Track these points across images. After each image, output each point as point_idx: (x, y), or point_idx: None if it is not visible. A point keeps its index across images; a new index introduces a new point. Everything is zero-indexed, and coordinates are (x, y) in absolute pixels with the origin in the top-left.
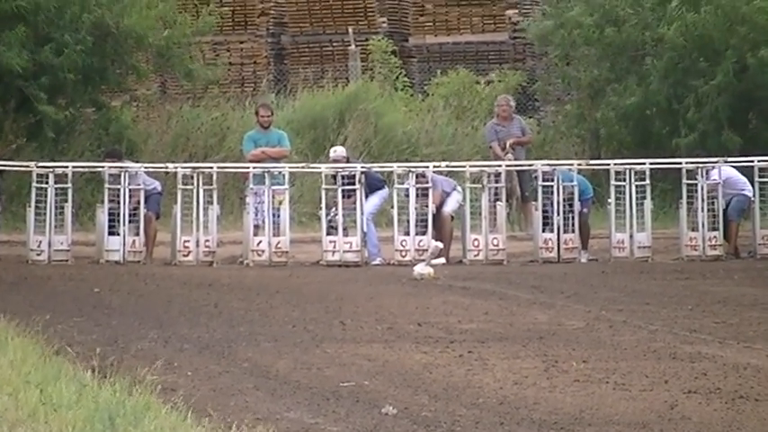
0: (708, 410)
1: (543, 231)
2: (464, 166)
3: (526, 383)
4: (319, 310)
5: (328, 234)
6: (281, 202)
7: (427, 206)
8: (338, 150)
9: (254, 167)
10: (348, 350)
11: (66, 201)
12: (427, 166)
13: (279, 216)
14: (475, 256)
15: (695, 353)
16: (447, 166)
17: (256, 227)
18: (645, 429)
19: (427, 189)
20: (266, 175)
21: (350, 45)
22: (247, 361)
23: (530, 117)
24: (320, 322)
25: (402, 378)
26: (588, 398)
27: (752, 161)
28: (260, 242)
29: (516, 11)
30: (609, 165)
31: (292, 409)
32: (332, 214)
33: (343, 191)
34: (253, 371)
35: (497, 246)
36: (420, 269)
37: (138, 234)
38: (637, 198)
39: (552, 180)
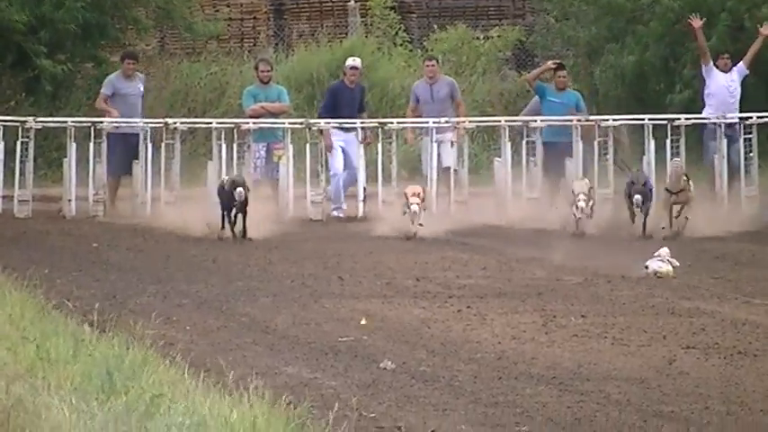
0: (706, 366)
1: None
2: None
3: (524, 338)
4: (318, 266)
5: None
6: (280, 158)
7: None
8: (357, 60)
9: (254, 122)
10: (346, 305)
11: (64, 156)
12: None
13: (278, 172)
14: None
15: (693, 308)
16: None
17: (255, 182)
18: (643, 385)
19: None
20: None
21: (349, 0)
22: (245, 316)
23: (529, 73)
24: (318, 278)
25: (400, 333)
26: (586, 353)
27: (750, 116)
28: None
29: None
30: (608, 120)
31: (291, 364)
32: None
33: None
34: (251, 326)
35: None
36: (656, 266)
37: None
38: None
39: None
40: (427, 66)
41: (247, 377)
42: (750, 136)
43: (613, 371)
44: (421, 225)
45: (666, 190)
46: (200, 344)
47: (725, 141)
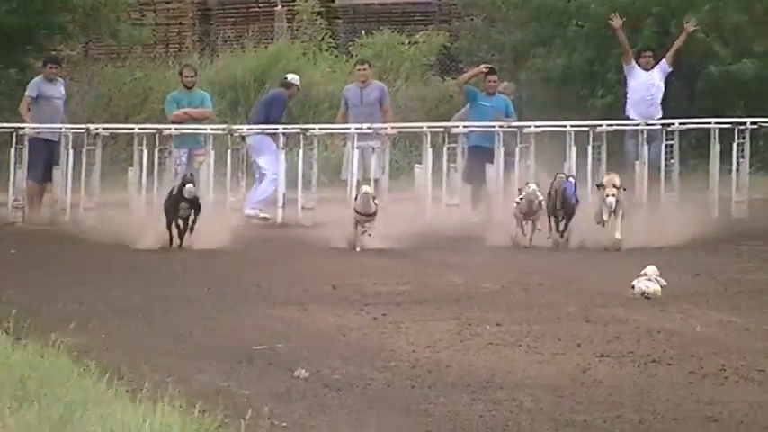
0: (620, 374)
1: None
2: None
3: (439, 346)
4: (234, 273)
5: None
6: (200, 164)
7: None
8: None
9: (176, 128)
10: (262, 312)
11: None
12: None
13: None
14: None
15: (609, 316)
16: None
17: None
18: (556, 393)
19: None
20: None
21: (276, 6)
22: (161, 323)
23: (453, 78)
24: (235, 284)
25: (315, 341)
26: (501, 361)
27: (672, 123)
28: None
29: None
30: (530, 126)
31: (205, 371)
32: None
33: None
34: (166, 333)
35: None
36: (643, 285)
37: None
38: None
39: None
40: (359, 69)
41: (162, 385)
42: (672, 142)
43: (527, 379)
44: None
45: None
46: (116, 351)
47: (646, 148)
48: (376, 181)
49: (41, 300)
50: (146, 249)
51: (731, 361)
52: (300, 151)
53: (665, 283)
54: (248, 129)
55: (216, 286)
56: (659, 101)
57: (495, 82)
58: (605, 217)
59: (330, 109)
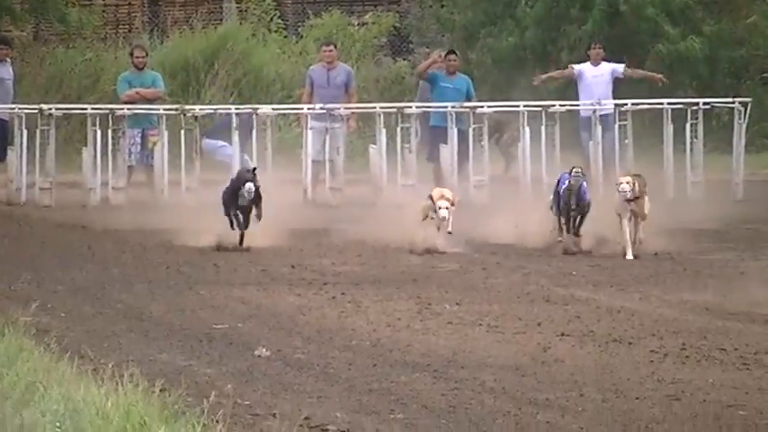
0: (581, 353)
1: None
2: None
3: (399, 326)
4: (193, 253)
5: None
6: (154, 144)
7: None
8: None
9: (129, 109)
10: (222, 293)
11: None
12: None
13: (152, 158)
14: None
15: (569, 296)
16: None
17: (130, 168)
18: (518, 372)
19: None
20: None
21: None
22: (121, 303)
23: (404, 59)
24: (194, 265)
25: (275, 320)
26: (461, 340)
27: (625, 103)
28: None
29: None
30: (482, 106)
31: (165, 351)
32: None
33: None
34: (126, 313)
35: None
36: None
37: None
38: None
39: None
40: (325, 51)
41: (122, 364)
42: (625, 123)
43: (488, 358)
44: (450, 233)
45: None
46: (76, 331)
47: (599, 128)
48: (331, 162)
49: (0, 280)
50: (103, 230)
51: (692, 340)
52: (254, 132)
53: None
54: (200, 108)
55: (174, 266)
56: (610, 95)
57: (455, 61)
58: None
59: (282, 90)
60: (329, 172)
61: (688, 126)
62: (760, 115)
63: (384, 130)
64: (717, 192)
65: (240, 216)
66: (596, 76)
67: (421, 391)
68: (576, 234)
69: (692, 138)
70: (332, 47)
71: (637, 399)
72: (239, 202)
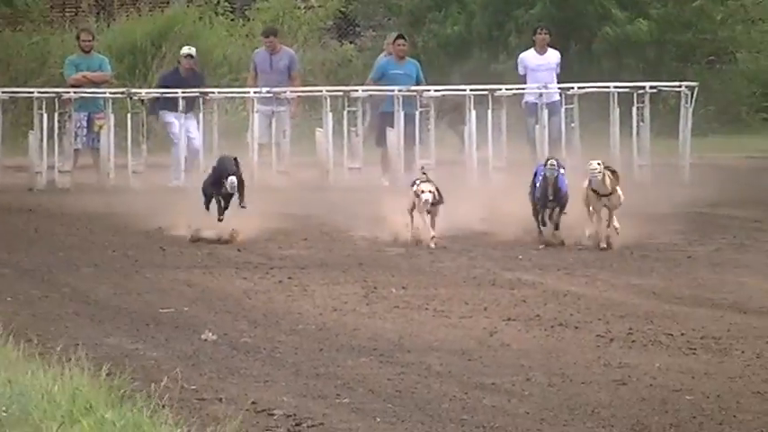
0: (527, 337)
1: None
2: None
3: (346, 310)
4: (140, 236)
5: None
6: (101, 127)
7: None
8: (192, 49)
9: (75, 92)
10: (168, 276)
11: None
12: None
13: (99, 141)
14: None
15: (515, 280)
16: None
17: (76, 151)
18: (464, 356)
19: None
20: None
21: None
22: (67, 286)
23: (350, 42)
24: (140, 248)
25: (222, 304)
26: (408, 324)
27: (571, 87)
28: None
29: None
30: (429, 90)
31: (112, 335)
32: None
33: None
34: (73, 296)
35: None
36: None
37: None
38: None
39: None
40: (265, 42)
41: (69, 348)
42: (572, 106)
43: (434, 342)
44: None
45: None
46: (22, 314)
47: (545, 112)
48: (277, 145)
49: None
50: (50, 213)
51: (639, 324)
52: (200, 115)
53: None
54: (147, 92)
55: (121, 250)
56: (555, 82)
57: (404, 45)
58: None
59: (229, 73)
60: (275, 155)
61: (635, 110)
62: (707, 99)
63: (330, 114)
64: (663, 176)
65: (222, 202)
66: (541, 64)
67: (367, 375)
68: (556, 227)
69: (638, 121)
70: (271, 37)
71: (583, 383)
72: (221, 191)
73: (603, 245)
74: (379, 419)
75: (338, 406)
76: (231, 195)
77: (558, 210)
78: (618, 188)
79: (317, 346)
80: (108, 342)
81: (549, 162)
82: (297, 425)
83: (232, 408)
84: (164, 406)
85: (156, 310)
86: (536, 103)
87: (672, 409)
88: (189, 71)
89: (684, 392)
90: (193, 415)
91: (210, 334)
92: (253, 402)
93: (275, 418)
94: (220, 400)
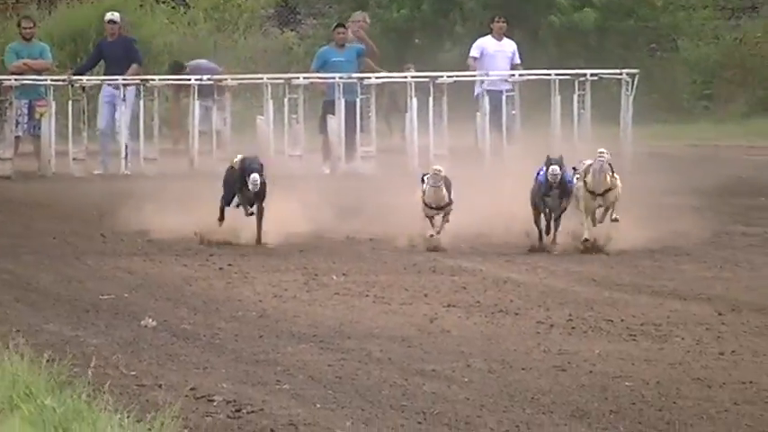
0: (467, 324)
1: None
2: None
3: (286, 296)
4: (80, 223)
5: None
6: (42, 115)
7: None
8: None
9: (16, 79)
10: (108, 263)
11: None
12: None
13: (40, 128)
14: None
15: (456, 266)
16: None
17: (17, 138)
18: (404, 342)
19: None
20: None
21: None
22: (8, 273)
23: (291, 30)
24: (81, 235)
25: (162, 291)
26: (348, 311)
27: (549, 73)
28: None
29: None
30: (370, 77)
31: (52, 322)
32: None
33: None
34: (13, 283)
35: None
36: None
37: None
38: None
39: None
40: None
41: (9, 335)
42: (512, 93)
43: (375, 329)
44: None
45: None
46: None
47: (487, 98)
48: (218, 133)
49: None
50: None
51: (579, 311)
52: (142, 102)
53: None
54: (88, 79)
55: (61, 237)
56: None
57: (343, 33)
58: None
59: (171, 59)
60: (216, 143)
61: (576, 97)
62: (649, 87)
63: (271, 101)
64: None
65: (248, 207)
66: (499, 51)
67: (307, 361)
68: (554, 237)
69: (579, 108)
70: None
71: (523, 369)
72: (244, 192)
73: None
74: (318, 406)
75: (278, 392)
76: (255, 196)
77: (562, 209)
78: (618, 183)
79: (257, 332)
80: (48, 329)
81: (551, 168)
82: (236, 411)
83: (172, 394)
84: (104, 392)
85: (96, 297)
86: (490, 91)
87: (612, 396)
88: (117, 38)
89: (624, 379)
90: (133, 401)
91: (151, 320)
92: (192, 388)
93: (215, 404)
94: (160, 386)
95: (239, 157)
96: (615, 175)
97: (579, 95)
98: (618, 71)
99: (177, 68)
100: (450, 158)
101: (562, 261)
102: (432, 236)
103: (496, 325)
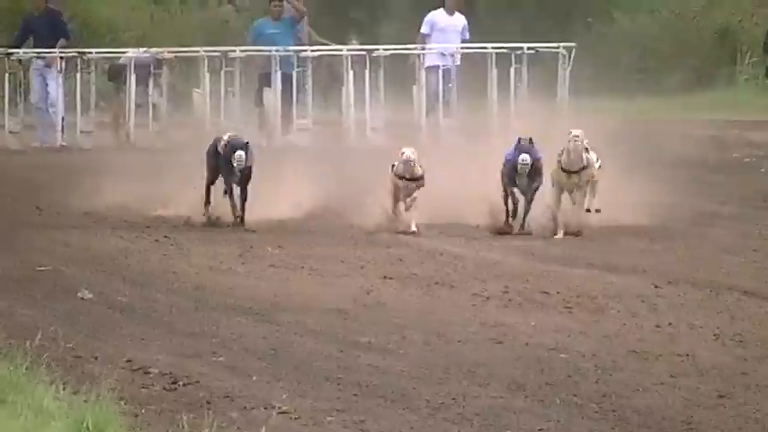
0: (403, 296)
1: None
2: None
3: (222, 269)
4: (16, 196)
5: None
6: None
7: None
8: None
9: None
10: (45, 235)
11: None
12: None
13: None
14: None
15: (392, 239)
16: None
17: None
18: (340, 314)
19: None
20: None
21: None
22: None
23: (228, 3)
24: (16, 208)
25: (98, 263)
26: (284, 283)
27: (485, 47)
28: None
29: None
30: (341, 51)
31: None
32: None
33: None
34: None
35: None
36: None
37: None
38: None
39: None
40: None
41: None
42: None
43: (311, 301)
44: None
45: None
46: None
47: (423, 72)
48: (154, 106)
49: None
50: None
51: (515, 284)
52: (78, 75)
53: None
54: (24, 52)
55: None
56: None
57: (279, 6)
58: None
59: (109, 33)
60: (152, 116)
61: (512, 70)
62: (587, 61)
63: (208, 75)
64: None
65: (234, 188)
66: (450, 25)
67: (243, 333)
68: (522, 227)
69: (516, 83)
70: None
71: (459, 341)
72: (230, 172)
73: (560, 235)
74: (254, 378)
75: (214, 364)
76: (241, 174)
77: (531, 193)
78: (595, 162)
79: (193, 305)
80: None
81: (521, 158)
82: (173, 383)
83: (108, 366)
84: (40, 364)
85: (32, 269)
86: (438, 66)
87: (547, 368)
88: (44, 12)
89: (560, 351)
90: (69, 373)
91: (87, 292)
92: (128, 360)
93: (151, 376)
94: (96, 358)
95: (226, 136)
96: (592, 153)
97: (516, 69)
98: (555, 45)
99: (116, 73)
100: (386, 132)
101: (498, 235)
102: (394, 213)
103: (433, 297)
